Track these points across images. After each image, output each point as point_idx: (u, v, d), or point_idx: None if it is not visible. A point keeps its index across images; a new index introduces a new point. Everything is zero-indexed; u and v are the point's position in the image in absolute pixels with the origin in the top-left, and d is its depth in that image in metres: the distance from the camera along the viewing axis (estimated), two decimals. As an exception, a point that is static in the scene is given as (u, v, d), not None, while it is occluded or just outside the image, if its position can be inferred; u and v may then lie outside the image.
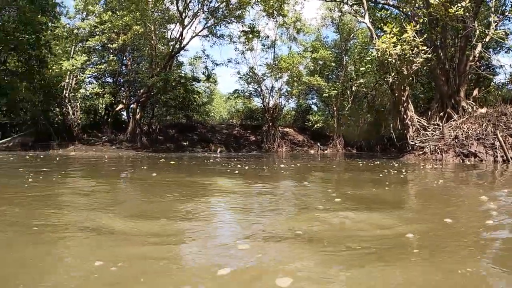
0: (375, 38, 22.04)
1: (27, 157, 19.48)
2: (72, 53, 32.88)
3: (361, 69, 28.31)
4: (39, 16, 27.84)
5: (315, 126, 44.23)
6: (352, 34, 44.53)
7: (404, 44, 19.68)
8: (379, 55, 20.41)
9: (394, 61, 20.15)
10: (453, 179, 10.37)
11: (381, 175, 10.58)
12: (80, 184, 8.56)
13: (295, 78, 39.93)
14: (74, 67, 30.35)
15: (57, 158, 18.90)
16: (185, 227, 4.13)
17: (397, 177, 10.32)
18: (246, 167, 13.68)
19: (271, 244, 3.40)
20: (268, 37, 42.01)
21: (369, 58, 24.45)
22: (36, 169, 11.65)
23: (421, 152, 21.32)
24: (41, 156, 20.39)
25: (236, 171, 11.88)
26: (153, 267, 2.74)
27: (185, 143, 37.57)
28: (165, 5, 33.35)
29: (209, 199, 6.64)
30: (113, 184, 9.11)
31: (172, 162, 16.44)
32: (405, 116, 22.85)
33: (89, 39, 32.43)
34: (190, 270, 2.79)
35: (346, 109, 43.77)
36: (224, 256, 3.06)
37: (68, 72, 31.60)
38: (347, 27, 44.28)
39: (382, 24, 24.69)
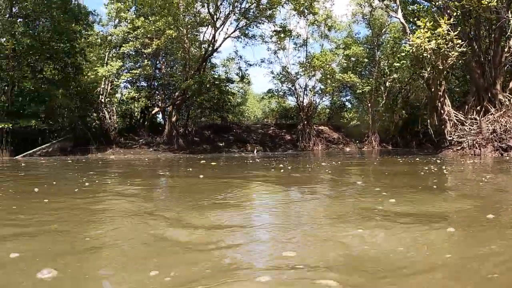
0: (409, 34, 21.94)
1: (69, 161, 19.95)
2: (106, 59, 33.42)
3: (396, 64, 28.15)
4: (73, 25, 28.47)
5: (351, 123, 44.03)
6: (384, 29, 44.22)
7: (439, 38, 19.54)
8: (413, 50, 20.30)
9: (429, 56, 20.03)
10: (499, 174, 10.32)
11: (422, 173, 10.53)
12: (133, 186, 8.69)
13: (328, 76, 39.78)
14: (110, 73, 30.91)
15: (99, 162, 19.31)
16: (247, 226, 4.26)
17: (442, 174, 10.31)
18: (289, 167, 13.71)
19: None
20: (300, 35, 42.14)
21: (403, 54, 24.25)
22: (84, 173, 11.95)
23: (459, 147, 21.15)
24: (83, 160, 20.85)
25: (282, 171, 11.99)
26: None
27: (221, 144, 37.84)
28: (196, 8, 33.66)
29: (268, 200, 6.84)
30: (166, 185, 9.31)
31: (213, 163, 16.53)
32: (442, 111, 22.66)
33: (123, 45, 32.90)
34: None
35: (381, 105, 43.49)
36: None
37: (104, 78, 32.16)
38: (378, 22, 43.98)
39: (414, 18, 24.49)
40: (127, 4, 33.35)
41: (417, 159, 17.40)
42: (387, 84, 43.07)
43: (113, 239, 3.74)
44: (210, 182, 9.11)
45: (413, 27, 24.27)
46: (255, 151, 34.31)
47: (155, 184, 9.58)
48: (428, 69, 21.15)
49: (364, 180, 9.29)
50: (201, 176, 10.10)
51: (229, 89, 41.51)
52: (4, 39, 24.90)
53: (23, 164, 17.32)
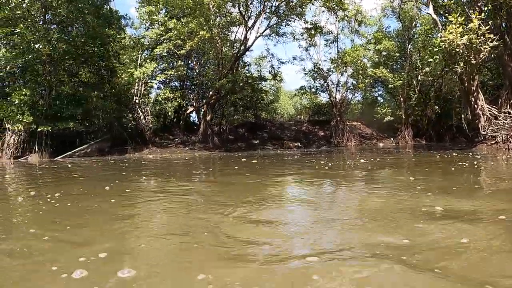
0: (441, 28, 21.93)
1: (112, 161, 20.36)
2: (139, 61, 34.00)
3: (429, 60, 27.99)
4: (106, 30, 29.03)
5: (386, 119, 43.76)
6: (414, 22, 43.84)
7: (471, 33, 19.53)
8: (446, 46, 20.30)
9: (461, 51, 20.03)
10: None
11: (460, 170, 10.60)
12: (195, 185, 9.06)
13: (360, 71, 39.75)
14: (145, 74, 31.48)
15: (142, 162, 19.66)
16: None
17: (481, 171, 10.43)
18: (330, 163, 13.95)
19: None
20: (331, 32, 42.02)
21: (436, 49, 24.11)
22: (137, 172, 12.33)
23: (493, 142, 21.11)
24: (124, 160, 21.19)
25: (326, 168, 12.23)
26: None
27: (255, 142, 38.11)
28: (226, 8, 33.95)
29: (337, 195, 7.22)
30: (224, 183, 9.50)
31: (254, 161, 16.69)
32: (475, 106, 22.61)
33: (157, 47, 33.41)
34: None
35: (413, 99, 43.17)
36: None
37: (138, 80, 32.77)
38: (409, 15, 43.56)
39: (445, 12, 24.39)
40: (158, 6, 33.81)
41: (455, 154, 17.37)
42: (419, 78, 42.65)
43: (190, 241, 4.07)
44: (273, 182, 9.31)
45: (444, 20, 24.22)
46: (294, 147, 34.77)
47: (213, 182, 9.91)
48: (461, 64, 21.10)
49: (416, 177, 9.33)
50: (248, 174, 10.28)
51: (262, 87, 41.74)
52: (40, 45, 25.46)
53: (69, 165, 17.66)
